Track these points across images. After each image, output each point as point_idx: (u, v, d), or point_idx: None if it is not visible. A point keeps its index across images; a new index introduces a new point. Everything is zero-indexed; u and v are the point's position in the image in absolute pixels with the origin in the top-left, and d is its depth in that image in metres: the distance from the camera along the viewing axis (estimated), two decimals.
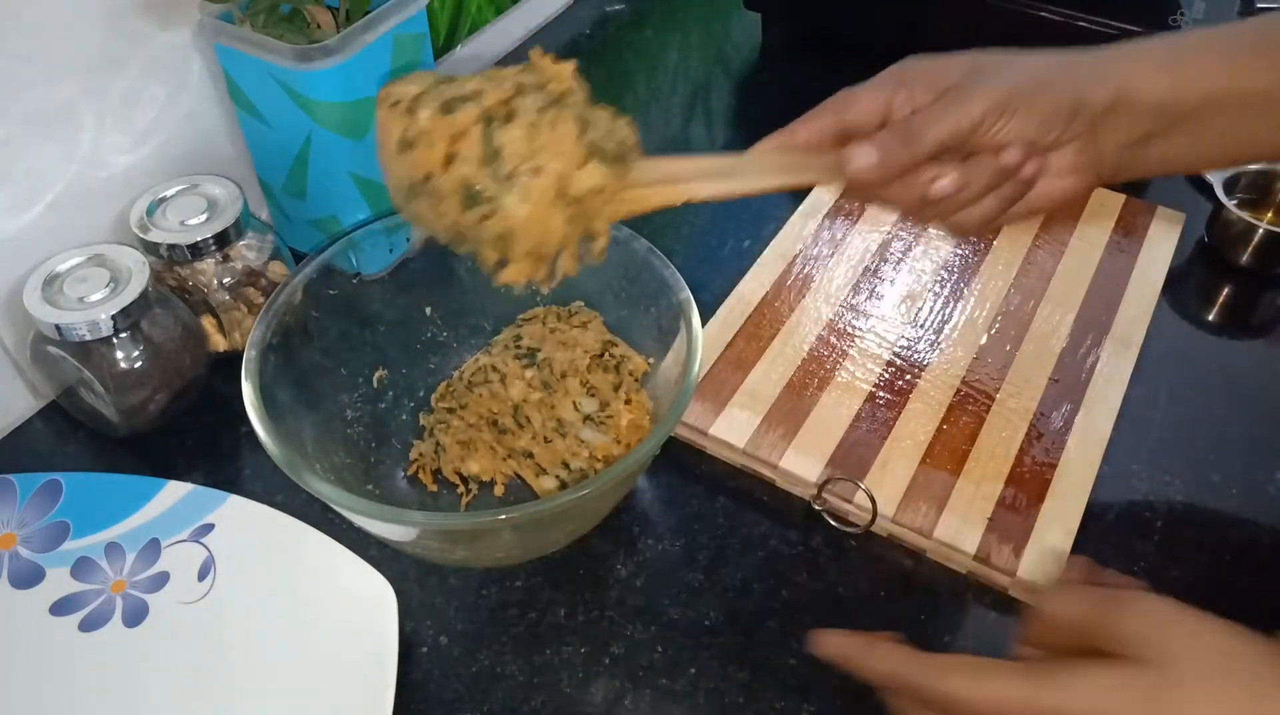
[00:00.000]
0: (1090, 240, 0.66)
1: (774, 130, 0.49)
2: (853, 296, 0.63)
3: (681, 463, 0.56)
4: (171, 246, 0.56)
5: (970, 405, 0.57)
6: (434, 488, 0.54)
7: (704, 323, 0.59)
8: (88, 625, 0.49)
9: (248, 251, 0.58)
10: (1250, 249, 0.65)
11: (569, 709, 0.47)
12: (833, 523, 0.53)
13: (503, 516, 0.43)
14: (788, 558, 0.52)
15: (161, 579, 0.50)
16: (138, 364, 0.53)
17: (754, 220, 0.71)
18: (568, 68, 0.41)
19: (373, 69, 0.56)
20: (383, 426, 0.56)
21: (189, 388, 0.57)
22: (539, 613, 0.50)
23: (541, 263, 0.42)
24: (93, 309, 0.51)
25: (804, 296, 0.63)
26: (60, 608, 0.49)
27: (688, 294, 0.50)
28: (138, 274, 0.53)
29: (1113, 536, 0.52)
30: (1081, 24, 0.71)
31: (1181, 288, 0.65)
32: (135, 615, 0.49)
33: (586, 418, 0.55)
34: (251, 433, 0.45)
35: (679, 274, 0.51)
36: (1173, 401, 0.59)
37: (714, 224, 0.71)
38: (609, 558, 0.52)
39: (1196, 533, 0.53)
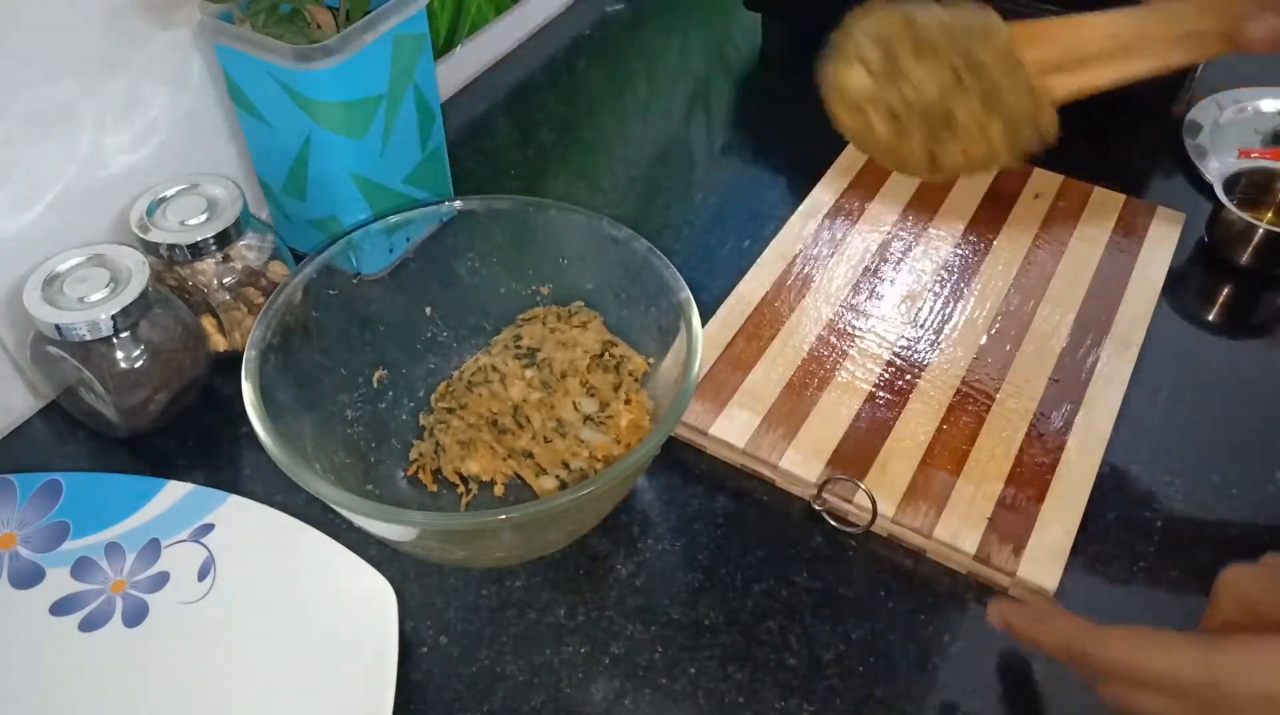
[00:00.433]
0: (1090, 240, 0.66)
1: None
2: (853, 296, 0.63)
3: (681, 463, 0.56)
4: (171, 246, 0.56)
5: (970, 405, 0.57)
6: (434, 488, 0.54)
7: (704, 323, 0.59)
8: (88, 625, 0.49)
9: (248, 251, 0.58)
10: (1250, 249, 0.65)
11: (569, 709, 0.47)
12: (833, 523, 0.53)
13: (503, 516, 0.43)
14: (788, 558, 0.52)
15: (161, 579, 0.50)
16: (138, 364, 0.53)
17: (754, 220, 0.71)
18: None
19: (373, 69, 0.56)
20: (383, 426, 0.56)
21: (189, 388, 0.57)
22: (539, 613, 0.50)
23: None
24: (93, 309, 0.51)
25: (804, 296, 0.63)
26: (60, 608, 0.49)
27: (688, 294, 0.50)
28: (138, 274, 0.53)
29: (1113, 536, 0.52)
30: None
31: (1181, 288, 0.65)
32: (135, 615, 0.49)
33: (586, 418, 0.55)
34: (251, 433, 0.45)
35: (679, 274, 0.51)
36: (1173, 401, 0.59)
37: (714, 224, 0.71)
38: (609, 558, 0.52)
39: (1196, 533, 0.53)
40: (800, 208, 0.69)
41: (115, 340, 0.52)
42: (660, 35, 0.89)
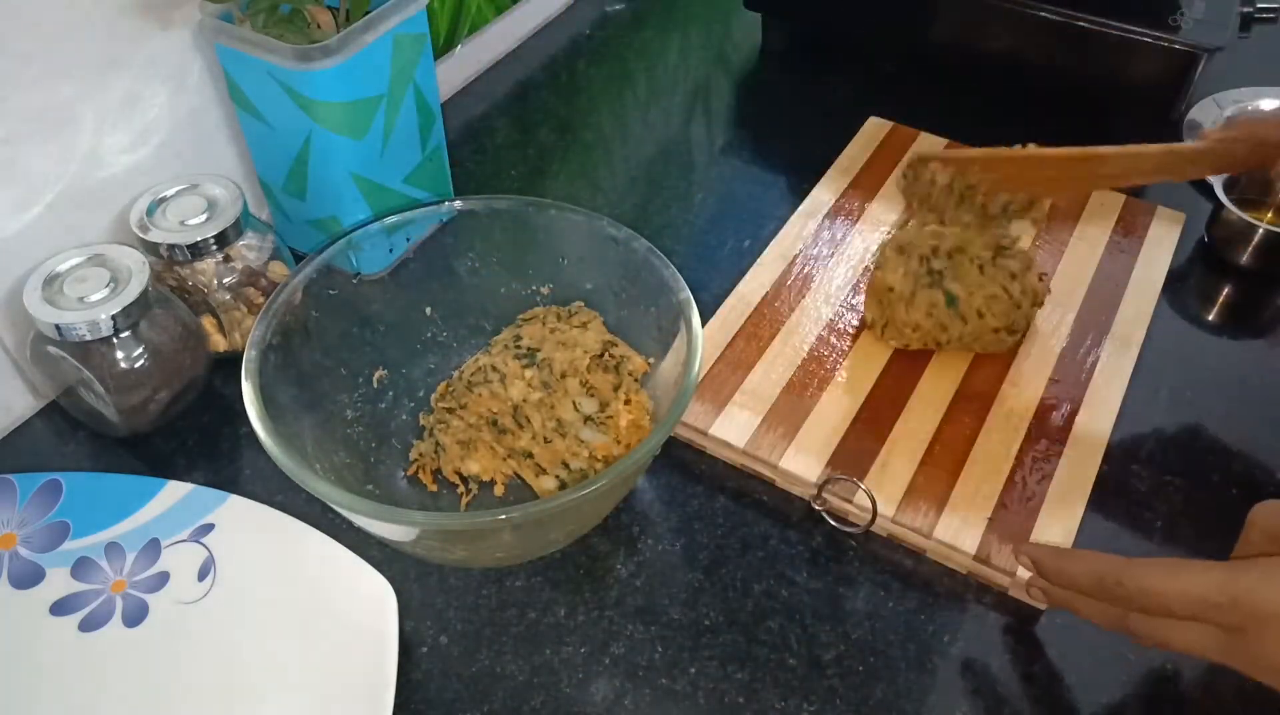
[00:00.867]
0: (1090, 240, 0.66)
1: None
2: (853, 296, 0.63)
3: (681, 463, 0.56)
4: (171, 246, 0.56)
5: (970, 405, 0.57)
6: (434, 488, 0.54)
7: (704, 323, 0.59)
8: (88, 625, 0.49)
9: (248, 251, 0.58)
10: (1250, 249, 0.65)
11: (569, 709, 0.47)
12: (833, 523, 0.53)
13: (503, 516, 0.43)
14: (788, 558, 0.52)
15: (161, 579, 0.50)
16: (138, 364, 0.53)
17: (754, 220, 0.71)
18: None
19: (373, 69, 0.56)
20: (383, 426, 0.56)
21: (189, 388, 0.57)
22: (539, 613, 0.50)
23: None
24: (93, 309, 0.51)
25: (804, 296, 0.63)
26: (60, 608, 0.49)
27: (688, 294, 0.50)
28: (138, 274, 0.53)
29: (1113, 536, 0.52)
30: (1081, 24, 0.71)
31: (1181, 288, 0.65)
32: (135, 615, 0.49)
33: (586, 418, 0.55)
34: (251, 433, 0.45)
35: (679, 274, 0.51)
36: (1173, 401, 0.59)
37: (714, 224, 0.71)
38: (609, 558, 0.52)
39: (1196, 533, 0.53)
40: (800, 208, 0.69)
41: (115, 340, 0.52)
42: (660, 35, 0.89)
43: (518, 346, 0.57)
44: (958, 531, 0.51)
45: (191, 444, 0.57)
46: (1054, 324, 0.61)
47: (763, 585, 0.51)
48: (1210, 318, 0.65)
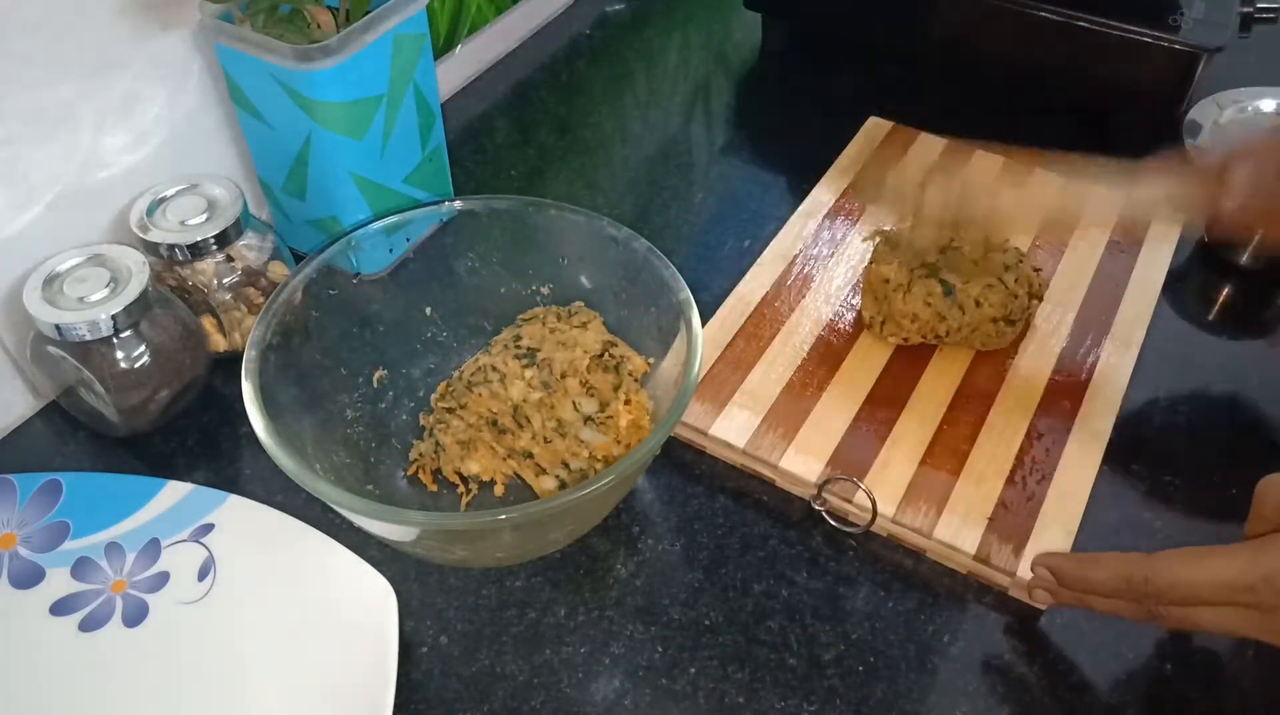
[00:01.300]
0: (1090, 240, 0.66)
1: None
2: (852, 296, 0.63)
3: (681, 463, 0.56)
4: (171, 246, 0.56)
5: (970, 405, 0.57)
6: (434, 488, 0.54)
7: (704, 323, 0.59)
8: (88, 625, 0.48)
9: (248, 251, 0.58)
10: (1250, 249, 0.65)
11: (569, 709, 0.47)
12: (833, 523, 0.53)
13: (503, 516, 0.43)
14: (788, 558, 0.52)
15: (161, 579, 0.50)
16: (138, 364, 0.53)
17: (754, 220, 0.71)
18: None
19: (373, 69, 0.56)
20: (383, 426, 0.56)
21: (189, 388, 0.57)
22: (539, 613, 0.50)
23: None
24: (93, 309, 0.51)
25: (804, 296, 0.63)
26: (60, 608, 0.49)
27: (688, 294, 0.50)
28: (138, 274, 0.53)
29: (1113, 536, 0.52)
30: (1081, 24, 0.71)
31: (1181, 288, 0.65)
32: (135, 615, 0.49)
33: (586, 418, 0.55)
34: (251, 433, 0.45)
35: (679, 274, 0.51)
36: (1173, 401, 0.59)
37: (714, 224, 0.71)
38: (609, 558, 0.52)
39: (1196, 533, 0.53)
40: (800, 208, 0.69)
41: (115, 340, 0.52)
42: (660, 35, 0.89)
43: (518, 346, 0.57)
44: (958, 531, 0.51)
45: (191, 444, 0.57)
46: (1054, 324, 0.61)
47: (763, 585, 0.51)
48: (1210, 318, 0.65)
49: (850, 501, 0.53)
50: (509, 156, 0.77)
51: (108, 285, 0.52)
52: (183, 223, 0.56)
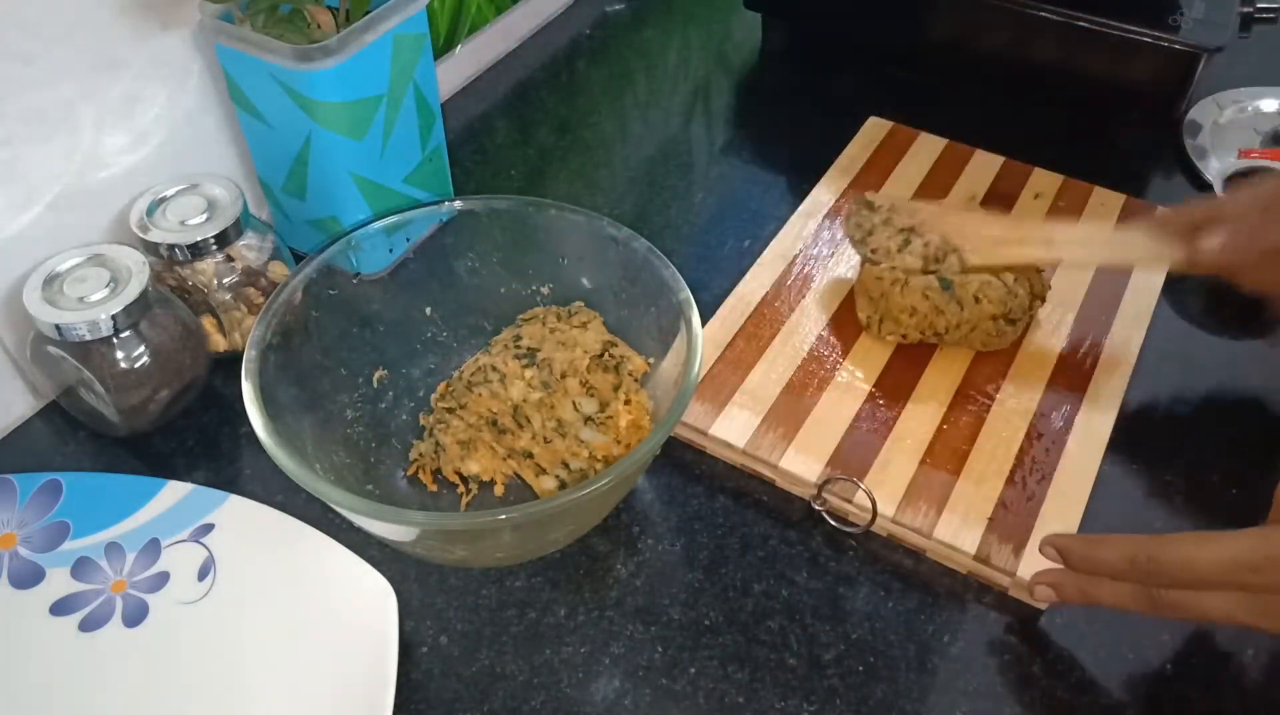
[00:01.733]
0: None
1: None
2: (853, 296, 0.63)
3: (681, 463, 0.56)
4: (171, 246, 0.56)
5: (970, 405, 0.57)
6: (434, 488, 0.54)
7: (704, 323, 0.59)
8: (88, 625, 0.49)
9: (248, 251, 0.58)
10: None
11: (569, 709, 0.47)
12: (833, 523, 0.53)
13: (503, 516, 0.43)
14: (788, 558, 0.52)
15: (161, 579, 0.50)
16: (138, 364, 0.53)
17: (754, 220, 0.71)
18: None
19: (373, 69, 0.56)
20: (383, 426, 0.56)
21: (189, 388, 0.57)
22: (539, 613, 0.50)
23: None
24: (93, 309, 0.51)
25: (804, 296, 0.63)
26: (60, 608, 0.49)
27: (688, 294, 0.50)
28: (138, 274, 0.53)
29: None
30: (1082, 24, 0.71)
31: (1181, 288, 0.65)
32: (135, 615, 0.49)
33: (586, 418, 0.55)
34: (251, 433, 0.45)
35: (679, 274, 0.51)
36: (1173, 401, 0.59)
37: (714, 224, 0.71)
38: (609, 558, 0.52)
39: None
40: (800, 208, 0.69)
41: (115, 340, 0.52)
42: (660, 35, 0.89)
43: (518, 346, 0.57)
44: (958, 531, 0.51)
45: (191, 444, 0.57)
46: (1054, 324, 0.61)
47: (763, 585, 0.51)
48: (1210, 318, 0.65)
49: (850, 501, 0.53)
50: (509, 156, 0.77)
51: (108, 285, 0.52)
52: (183, 223, 0.56)
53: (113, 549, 0.51)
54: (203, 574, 0.50)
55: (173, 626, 0.48)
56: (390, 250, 0.57)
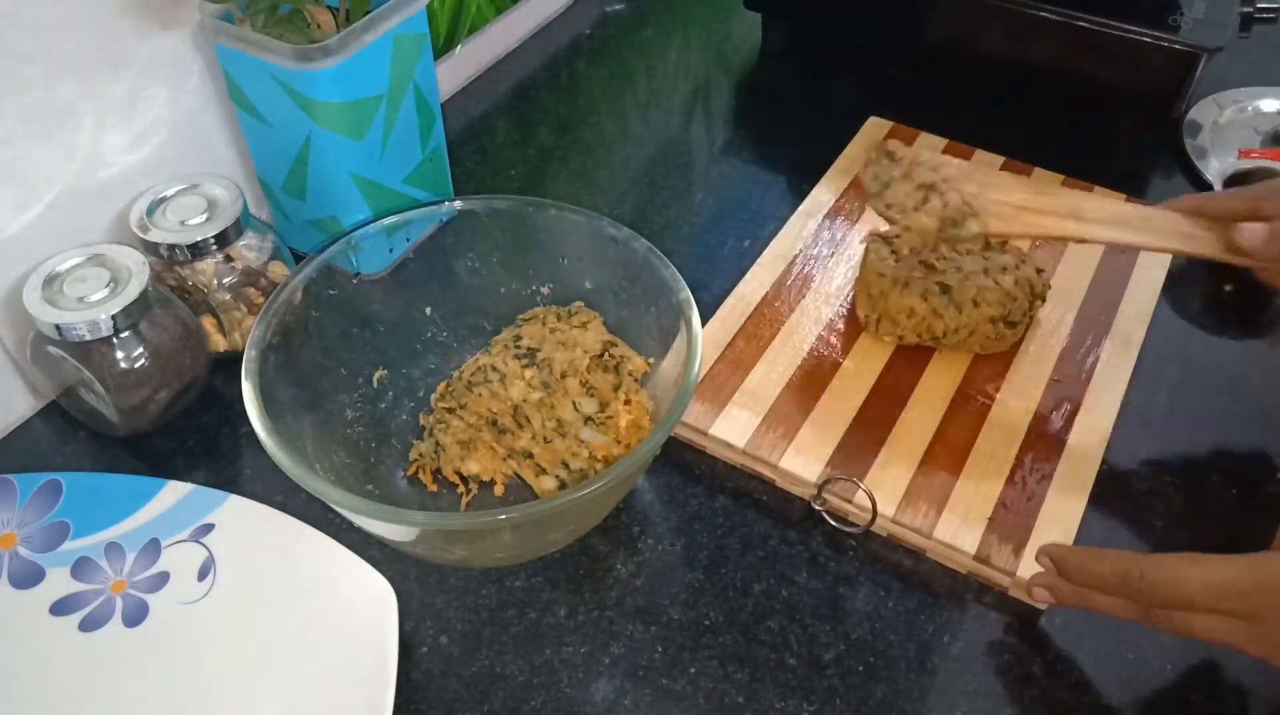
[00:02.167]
0: None
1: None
2: (852, 296, 0.63)
3: (681, 463, 0.56)
4: (171, 246, 0.56)
5: (970, 405, 0.57)
6: (434, 488, 0.54)
7: (704, 323, 0.59)
8: (88, 625, 0.49)
9: (248, 251, 0.58)
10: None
11: (569, 709, 0.47)
12: (833, 523, 0.53)
13: (503, 516, 0.43)
14: (788, 558, 0.52)
15: (161, 579, 0.50)
16: (138, 364, 0.53)
17: (754, 220, 0.71)
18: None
19: (373, 69, 0.56)
20: (383, 426, 0.56)
21: (189, 388, 0.57)
22: (539, 613, 0.50)
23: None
24: (93, 309, 0.51)
25: (804, 296, 0.63)
26: (60, 608, 0.49)
27: (688, 294, 0.50)
28: (138, 274, 0.53)
29: (1113, 537, 0.52)
30: (1082, 24, 0.71)
31: (1181, 288, 0.65)
32: (135, 615, 0.49)
33: (586, 418, 0.55)
34: (251, 433, 0.45)
35: (679, 274, 0.51)
36: (1173, 401, 0.59)
37: (714, 224, 0.71)
38: (609, 558, 0.52)
39: (1196, 533, 0.53)
40: (800, 208, 0.69)
41: (115, 340, 0.52)
42: (660, 35, 0.89)
43: (518, 346, 0.57)
44: (958, 531, 0.51)
45: (191, 444, 0.57)
46: (1054, 323, 0.61)
47: (763, 585, 0.51)
48: (1210, 318, 0.65)
49: (850, 501, 0.53)
50: (509, 156, 0.77)
51: (108, 285, 0.52)
52: (183, 223, 0.56)
53: (113, 549, 0.51)
54: (203, 574, 0.50)
55: (173, 626, 0.48)
56: (390, 250, 0.57)
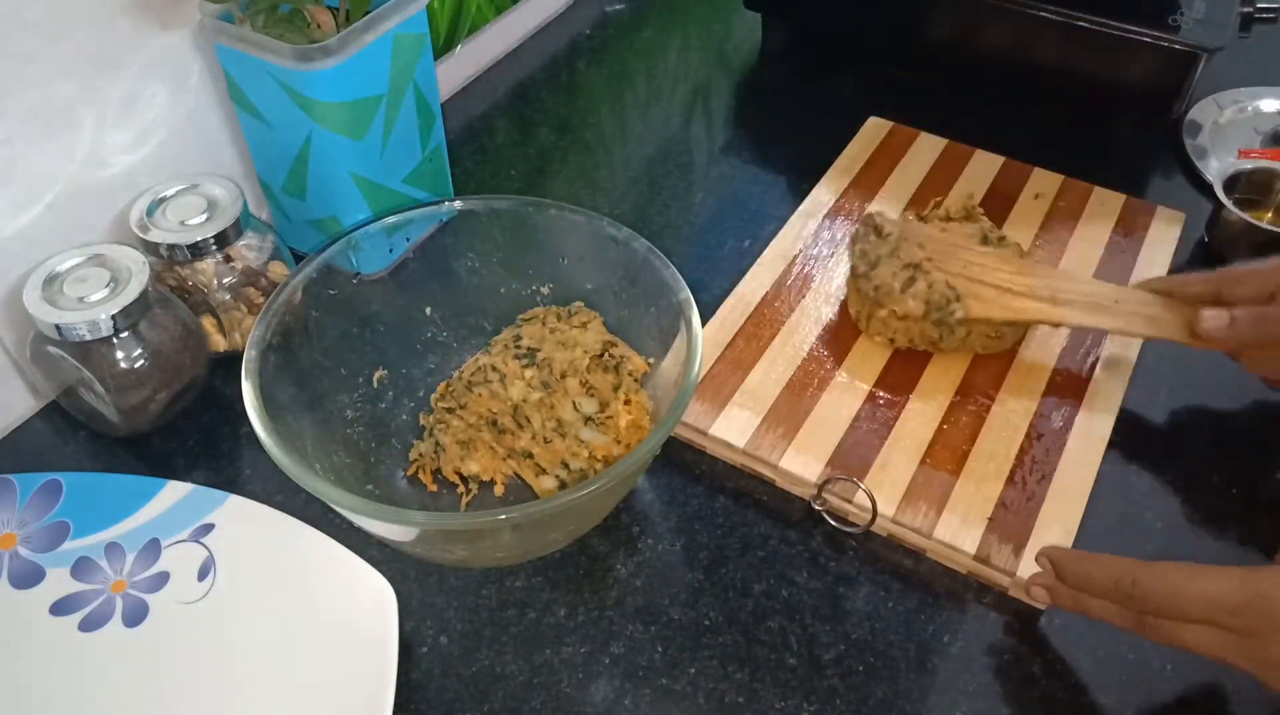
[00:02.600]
0: (1090, 240, 0.66)
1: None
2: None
3: (681, 463, 0.56)
4: (171, 246, 0.56)
5: (970, 405, 0.57)
6: (434, 488, 0.54)
7: (704, 323, 0.59)
8: (88, 625, 0.49)
9: (248, 251, 0.58)
10: (1250, 249, 0.65)
11: (569, 709, 0.47)
12: (833, 523, 0.53)
13: (503, 516, 0.43)
14: (788, 558, 0.52)
15: (161, 579, 0.50)
16: (138, 364, 0.53)
17: (754, 220, 0.71)
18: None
19: (373, 69, 0.56)
20: (383, 426, 0.56)
21: (189, 388, 0.57)
22: (539, 613, 0.50)
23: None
24: (93, 309, 0.51)
25: (804, 296, 0.63)
26: (60, 608, 0.49)
27: (688, 294, 0.50)
28: (138, 274, 0.53)
29: (1113, 536, 0.52)
30: (1082, 24, 0.71)
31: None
32: (135, 615, 0.49)
33: (586, 418, 0.55)
34: (251, 433, 0.45)
35: (679, 274, 0.51)
36: (1173, 401, 0.59)
37: (714, 224, 0.71)
38: (609, 558, 0.52)
39: (1196, 533, 0.53)
40: (800, 208, 0.69)
41: (115, 340, 0.52)
42: (660, 35, 0.89)
43: (518, 346, 0.57)
44: (958, 531, 0.51)
45: (191, 444, 0.57)
46: None
47: (763, 585, 0.51)
48: None
49: (850, 501, 0.53)
50: (509, 156, 0.77)
51: (108, 285, 0.52)
52: (183, 223, 0.56)
53: (113, 549, 0.51)
54: (203, 574, 0.50)
55: (173, 626, 0.48)
56: (390, 250, 0.57)
